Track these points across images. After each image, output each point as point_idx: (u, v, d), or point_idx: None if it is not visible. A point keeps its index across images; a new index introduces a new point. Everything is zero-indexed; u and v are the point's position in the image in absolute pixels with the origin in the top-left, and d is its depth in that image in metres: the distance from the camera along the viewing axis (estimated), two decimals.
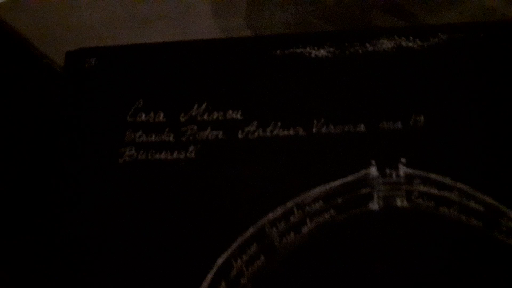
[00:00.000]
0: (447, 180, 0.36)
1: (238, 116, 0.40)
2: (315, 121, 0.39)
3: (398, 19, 0.57)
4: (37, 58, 0.64)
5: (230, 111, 0.40)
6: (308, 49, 0.41)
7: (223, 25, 0.60)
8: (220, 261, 0.35)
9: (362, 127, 0.38)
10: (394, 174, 0.37)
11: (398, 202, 0.36)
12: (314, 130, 0.39)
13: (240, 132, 0.39)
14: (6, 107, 0.64)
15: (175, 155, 0.39)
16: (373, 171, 0.37)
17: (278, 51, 0.41)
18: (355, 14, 0.58)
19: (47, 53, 0.63)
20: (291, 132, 0.39)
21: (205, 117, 0.40)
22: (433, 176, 0.36)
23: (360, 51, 0.41)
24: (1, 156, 0.59)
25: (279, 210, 0.36)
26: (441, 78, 0.39)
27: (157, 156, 0.39)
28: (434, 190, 0.36)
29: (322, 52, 0.41)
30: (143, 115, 0.40)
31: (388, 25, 0.56)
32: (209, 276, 0.34)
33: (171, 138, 0.39)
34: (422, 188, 0.36)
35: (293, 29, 0.59)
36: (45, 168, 0.48)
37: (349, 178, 0.37)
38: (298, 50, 0.41)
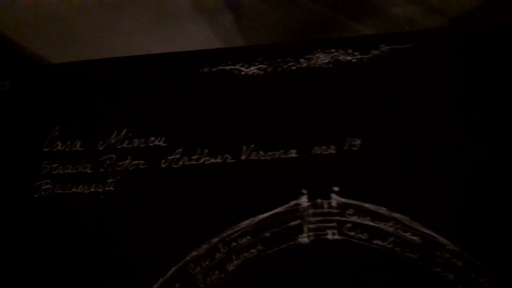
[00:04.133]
0: (383, 210, 0.34)
1: (161, 143, 0.36)
2: (244, 148, 0.36)
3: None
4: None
5: (153, 138, 0.36)
6: (238, 66, 0.38)
7: (200, 4, 0.58)
8: None
9: (293, 153, 0.36)
10: (325, 205, 0.34)
11: (329, 235, 0.34)
12: (243, 157, 0.36)
13: (163, 161, 0.36)
14: None
15: (92, 188, 0.36)
16: (304, 201, 0.34)
17: (205, 69, 0.38)
18: None
19: (22, 43, 0.60)
20: (218, 159, 0.36)
21: (125, 144, 0.37)
22: (367, 206, 0.34)
23: (293, 67, 0.37)
24: None
25: (204, 247, 0.34)
26: (382, 96, 0.36)
27: (74, 189, 0.36)
28: (368, 221, 0.34)
29: (253, 69, 0.37)
30: (59, 144, 0.37)
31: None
32: None
33: (88, 170, 0.36)
34: (355, 219, 0.34)
35: (278, 3, 0.58)
36: None
37: (278, 209, 0.34)
38: (227, 68, 0.38)
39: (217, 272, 0.34)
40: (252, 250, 0.34)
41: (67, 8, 0.62)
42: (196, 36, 0.61)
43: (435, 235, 0.33)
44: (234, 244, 0.34)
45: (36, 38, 0.60)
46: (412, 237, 0.33)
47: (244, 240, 0.34)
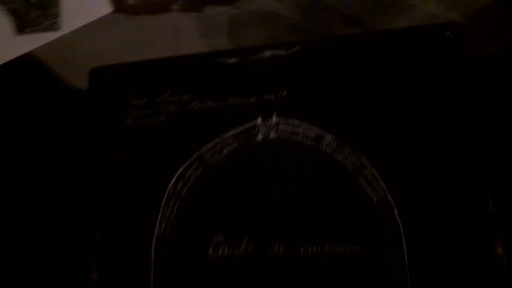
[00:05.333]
0: (296, 122, 0.68)
1: (187, 97, 0.71)
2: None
3: (357, 27, 0.73)
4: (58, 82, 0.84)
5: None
6: None
7: (210, 44, 0.74)
8: (180, 170, 0.66)
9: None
10: (270, 121, 0.69)
11: (271, 135, 0.68)
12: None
13: (189, 106, 0.71)
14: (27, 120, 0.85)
15: (153, 120, 0.70)
16: (259, 120, 0.69)
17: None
18: (319, 26, 0.73)
19: (67, 77, 0.79)
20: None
21: (171, 100, 0.71)
22: (289, 120, 0.68)
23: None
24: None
25: (210, 143, 0.68)
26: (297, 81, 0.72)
27: (142, 122, 0.70)
28: (289, 128, 0.68)
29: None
30: (135, 100, 0.72)
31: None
32: (174, 177, 0.66)
33: (151, 111, 0.70)
34: (283, 127, 0.68)
35: (268, 41, 0.74)
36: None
37: (247, 125, 0.69)
38: None
39: (217, 155, 0.67)
40: (234, 144, 0.68)
41: (104, 48, 0.80)
42: None
43: (321, 132, 0.68)
44: (226, 141, 0.68)
45: (81, 73, 0.75)
46: (309, 132, 0.67)
47: (230, 140, 0.68)
